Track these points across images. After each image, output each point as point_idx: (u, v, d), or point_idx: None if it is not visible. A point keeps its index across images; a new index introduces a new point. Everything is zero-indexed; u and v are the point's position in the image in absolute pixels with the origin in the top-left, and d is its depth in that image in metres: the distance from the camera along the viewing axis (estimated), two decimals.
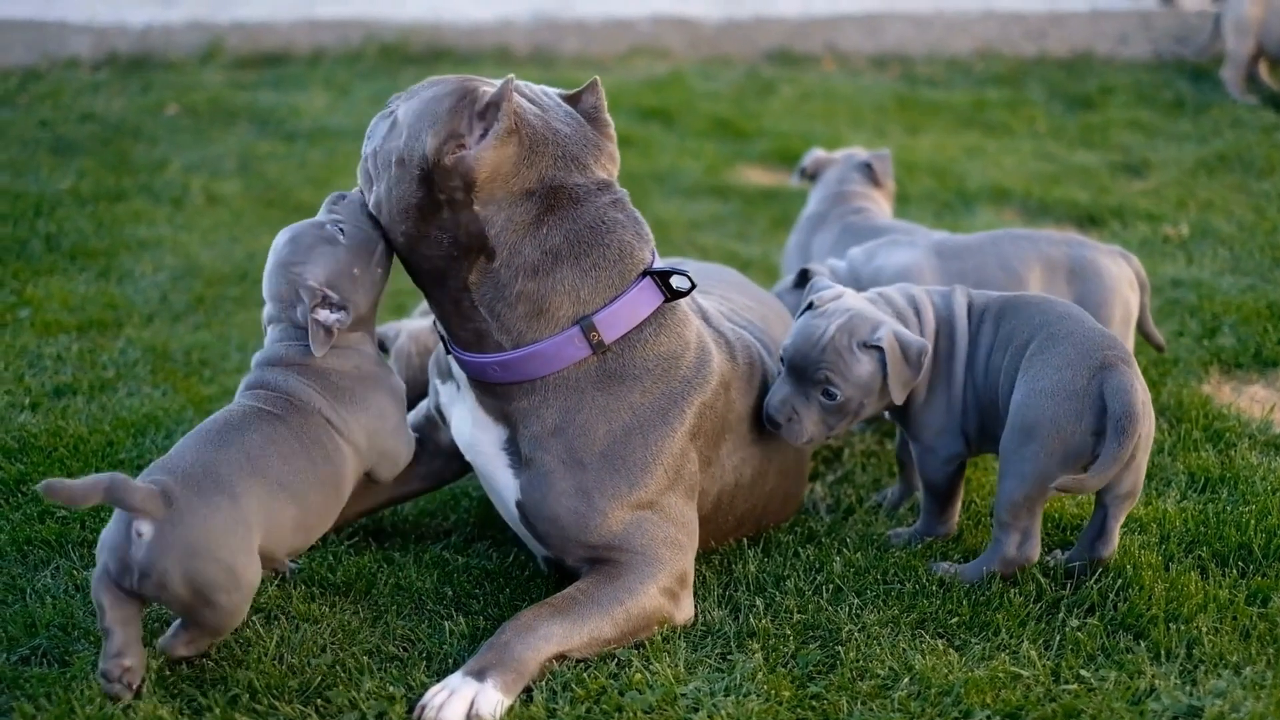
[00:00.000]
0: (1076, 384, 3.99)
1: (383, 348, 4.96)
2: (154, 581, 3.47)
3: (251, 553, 3.60)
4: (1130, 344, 5.18)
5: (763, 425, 4.34)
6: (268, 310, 4.01)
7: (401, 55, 12.33)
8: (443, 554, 4.40)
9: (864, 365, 4.13)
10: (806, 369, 4.16)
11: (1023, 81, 11.98)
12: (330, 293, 3.89)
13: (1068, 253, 5.18)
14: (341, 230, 3.95)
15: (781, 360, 4.25)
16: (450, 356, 4.13)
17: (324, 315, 3.85)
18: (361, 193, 4.06)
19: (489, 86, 3.89)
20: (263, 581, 4.06)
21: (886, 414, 4.44)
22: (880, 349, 4.10)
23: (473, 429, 4.13)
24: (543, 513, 3.98)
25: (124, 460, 4.87)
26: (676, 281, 4.07)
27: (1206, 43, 11.54)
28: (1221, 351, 6.02)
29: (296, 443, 3.80)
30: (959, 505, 4.48)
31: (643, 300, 4.02)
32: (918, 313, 4.30)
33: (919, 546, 4.37)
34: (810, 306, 4.26)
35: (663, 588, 3.94)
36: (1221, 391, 5.73)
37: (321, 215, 4.05)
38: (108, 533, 3.53)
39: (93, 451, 4.92)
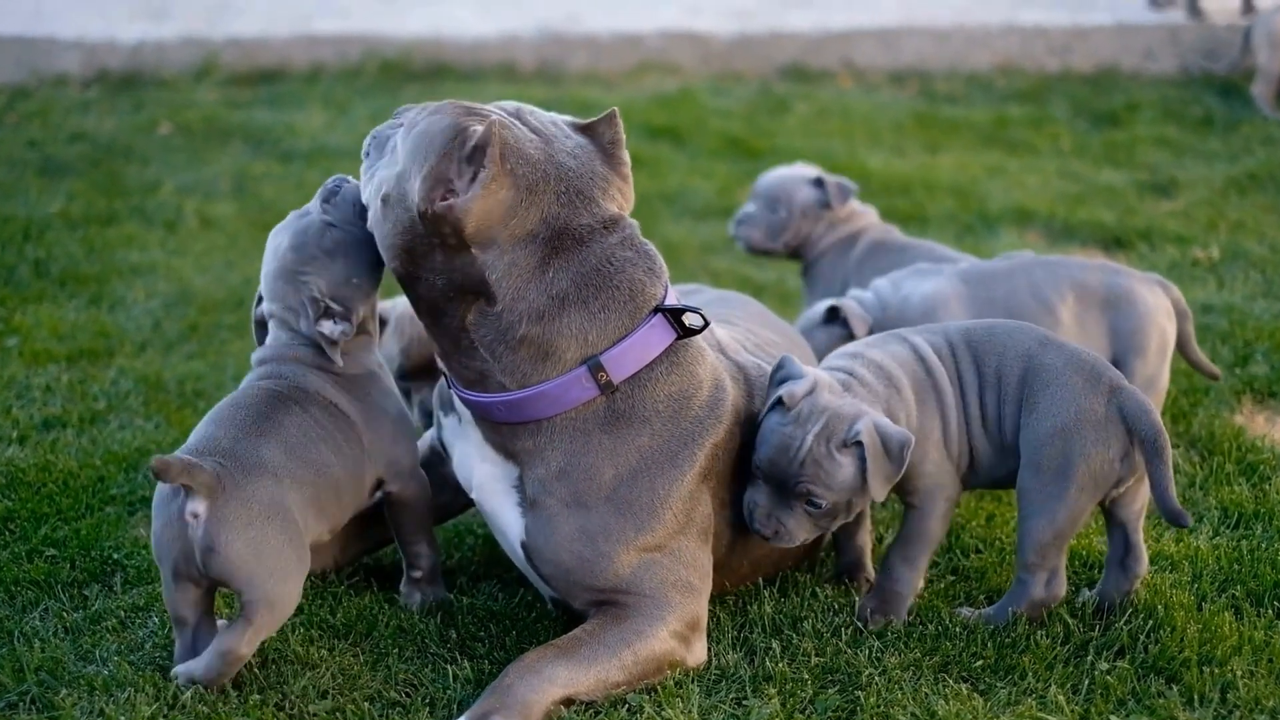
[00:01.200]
0: (1096, 413, 4.00)
1: (382, 322, 5.02)
2: (219, 556, 3.68)
3: (298, 530, 3.83)
4: (1166, 377, 5.16)
5: None
6: (267, 308, 4.12)
7: (403, 72, 12.35)
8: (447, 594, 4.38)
9: (846, 468, 3.98)
10: (785, 481, 4.03)
11: (1046, 98, 11.99)
12: (334, 304, 4.02)
13: (1102, 280, 5.16)
14: (342, 234, 4.07)
15: (756, 468, 4.11)
16: (452, 392, 4.11)
17: (329, 328, 4.02)
18: (358, 188, 4.11)
19: (482, 124, 3.82)
20: (331, 603, 4.17)
21: None
22: (860, 444, 3.96)
23: (478, 464, 4.11)
24: (547, 555, 3.97)
25: (115, 496, 4.88)
26: (689, 319, 4.06)
27: (1236, 57, 11.53)
28: (1254, 380, 6.00)
29: (322, 430, 4.00)
30: None
31: (654, 339, 4.00)
32: (896, 388, 4.17)
33: (890, 610, 4.22)
34: (779, 403, 4.08)
35: (673, 631, 3.92)
36: (1255, 422, 5.71)
37: (314, 208, 4.12)
38: (162, 530, 3.77)
39: (83, 487, 4.92)
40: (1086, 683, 3.82)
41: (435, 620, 4.20)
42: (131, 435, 5.41)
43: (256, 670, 3.87)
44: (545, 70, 12.64)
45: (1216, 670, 3.86)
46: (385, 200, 3.87)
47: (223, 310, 7.01)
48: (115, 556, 4.49)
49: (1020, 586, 4.10)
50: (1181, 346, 5.25)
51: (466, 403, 4.02)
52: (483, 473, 4.10)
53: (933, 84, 12.56)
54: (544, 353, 3.89)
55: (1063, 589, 4.10)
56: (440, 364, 4.09)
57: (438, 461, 4.48)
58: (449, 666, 3.94)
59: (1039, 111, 11.57)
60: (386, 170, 3.91)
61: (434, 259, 3.83)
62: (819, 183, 6.19)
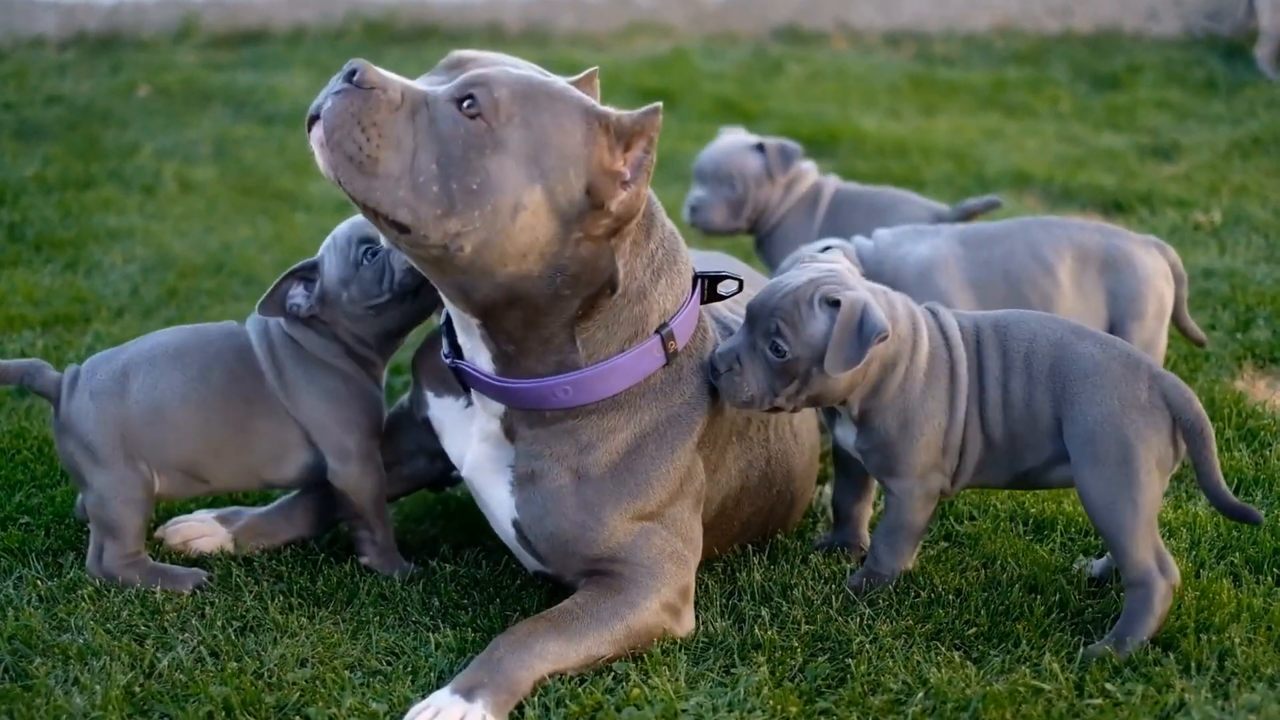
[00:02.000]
0: (1141, 398, 3.89)
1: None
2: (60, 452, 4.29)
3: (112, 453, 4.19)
4: (1164, 340, 5.17)
5: (769, 422, 4.32)
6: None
7: (387, 33, 12.35)
8: (429, 562, 4.39)
9: (818, 322, 3.89)
10: (761, 318, 3.96)
11: (1045, 60, 12.00)
12: (321, 286, 4.23)
13: (1101, 242, 5.16)
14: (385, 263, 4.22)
15: (747, 309, 4.06)
16: (476, 389, 4.02)
17: (297, 293, 4.26)
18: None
19: (602, 108, 3.67)
20: (238, 591, 4.12)
21: (852, 445, 4.22)
22: (838, 305, 3.89)
23: (475, 444, 4.10)
24: (544, 529, 3.95)
25: None
26: (724, 287, 4.08)
27: (1241, 19, 11.54)
28: (1256, 345, 6.01)
29: (226, 383, 4.26)
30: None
31: (696, 305, 4.02)
32: (915, 341, 4.09)
33: (870, 589, 4.20)
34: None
35: (665, 603, 3.92)
36: (1256, 388, 5.72)
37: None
38: None
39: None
40: (1082, 650, 3.83)
41: (418, 588, 4.20)
42: None
43: (234, 638, 3.88)
44: (533, 31, 12.64)
45: (1214, 638, 3.85)
46: (523, 207, 3.59)
47: (202, 275, 7.01)
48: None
49: (1142, 589, 3.88)
50: (1173, 311, 5.25)
51: (510, 393, 3.92)
52: (478, 453, 4.09)
53: (930, 45, 12.58)
54: (637, 331, 3.88)
55: (1176, 566, 3.92)
56: (474, 361, 3.96)
57: (411, 426, 4.48)
58: (431, 634, 3.93)
59: (1038, 73, 11.58)
60: (510, 176, 3.57)
61: (570, 254, 3.69)
62: (760, 149, 6.17)
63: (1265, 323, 6.23)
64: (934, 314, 4.16)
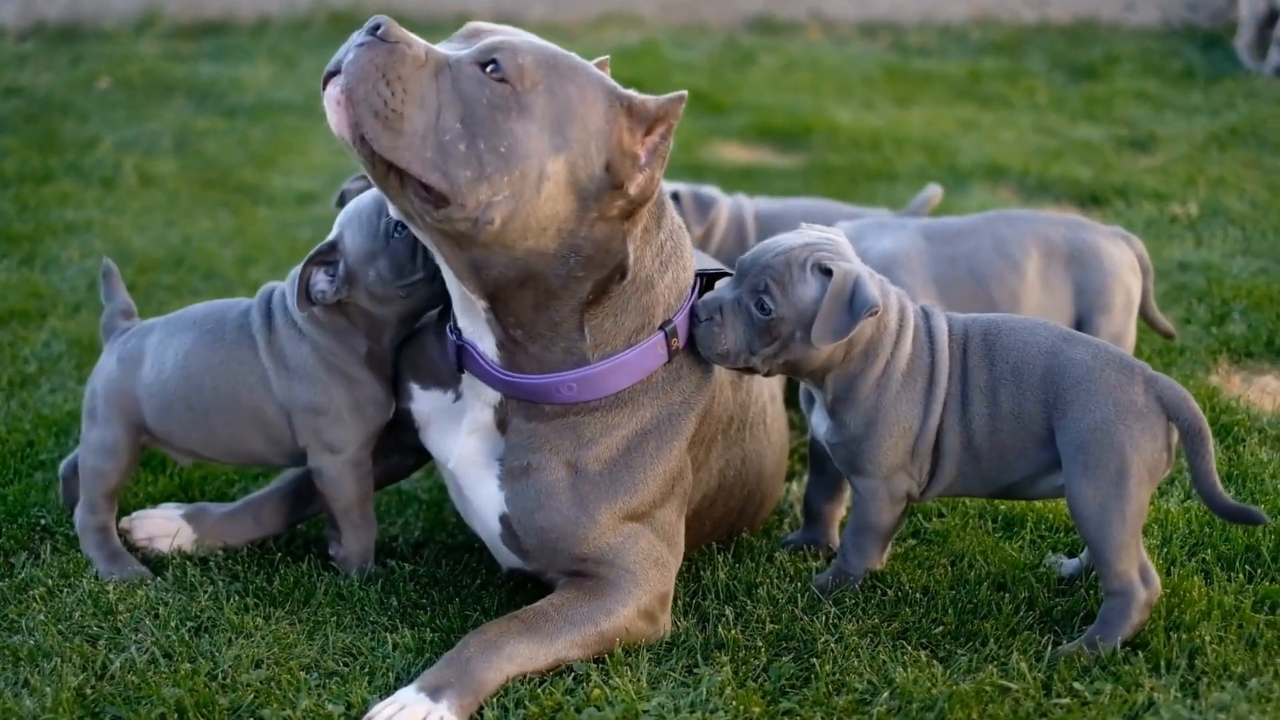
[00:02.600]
0: (1137, 403, 3.86)
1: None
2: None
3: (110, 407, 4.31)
4: (1133, 333, 5.19)
5: (747, 421, 4.33)
6: None
7: (352, 23, 12.21)
8: (388, 561, 4.38)
9: (809, 287, 3.89)
10: (751, 272, 3.95)
11: (1022, 50, 12.02)
12: (345, 267, 4.07)
13: (1067, 235, 5.18)
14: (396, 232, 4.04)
15: (739, 264, 4.06)
16: (480, 378, 3.98)
17: (319, 278, 4.09)
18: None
19: (624, 89, 3.70)
20: (193, 590, 4.11)
21: (823, 435, 4.20)
22: (830, 275, 3.89)
23: (464, 438, 4.08)
24: (535, 523, 3.93)
25: (45, 461, 4.86)
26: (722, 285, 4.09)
27: (1221, 6, 11.56)
28: (1231, 340, 6.03)
29: (222, 360, 4.26)
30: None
31: (694, 300, 4.02)
32: (900, 332, 4.07)
33: (836, 588, 4.20)
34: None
35: (642, 609, 3.91)
36: (1230, 382, 5.73)
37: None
38: None
39: (11, 452, 4.91)
40: (1050, 649, 3.83)
41: (376, 588, 4.19)
42: (63, 399, 5.40)
43: (189, 638, 3.86)
44: (502, 20, 12.49)
45: (1184, 636, 3.85)
46: (547, 176, 3.58)
47: (161, 270, 6.99)
48: (44, 523, 4.48)
49: (1121, 598, 3.89)
50: (1140, 304, 5.26)
51: (515, 386, 3.90)
52: (466, 446, 4.07)
53: (905, 36, 12.60)
54: (644, 323, 3.87)
55: (1158, 578, 3.94)
56: (476, 352, 3.94)
57: (389, 424, 4.45)
58: (389, 635, 3.92)
59: (1014, 64, 11.61)
60: (534, 143, 3.56)
61: (585, 234, 3.68)
62: (675, 198, 6.08)
63: (1241, 316, 6.25)
64: (927, 315, 4.13)
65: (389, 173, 3.54)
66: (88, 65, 10.95)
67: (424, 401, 4.23)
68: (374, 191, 4.03)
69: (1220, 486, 3.83)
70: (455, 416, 4.13)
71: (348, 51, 3.52)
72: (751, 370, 4.02)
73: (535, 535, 3.93)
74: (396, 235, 3.97)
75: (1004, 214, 5.36)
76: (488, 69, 3.52)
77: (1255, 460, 4.90)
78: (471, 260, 3.66)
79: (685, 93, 3.69)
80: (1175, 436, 3.86)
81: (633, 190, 3.65)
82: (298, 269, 4.06)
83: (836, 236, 4.06)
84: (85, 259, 7.06)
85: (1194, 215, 7.89)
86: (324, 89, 3.54)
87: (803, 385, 4.20)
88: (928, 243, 5.17)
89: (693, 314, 4.00)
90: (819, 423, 4.17)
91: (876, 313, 3.86)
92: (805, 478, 4.84)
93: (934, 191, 6.14)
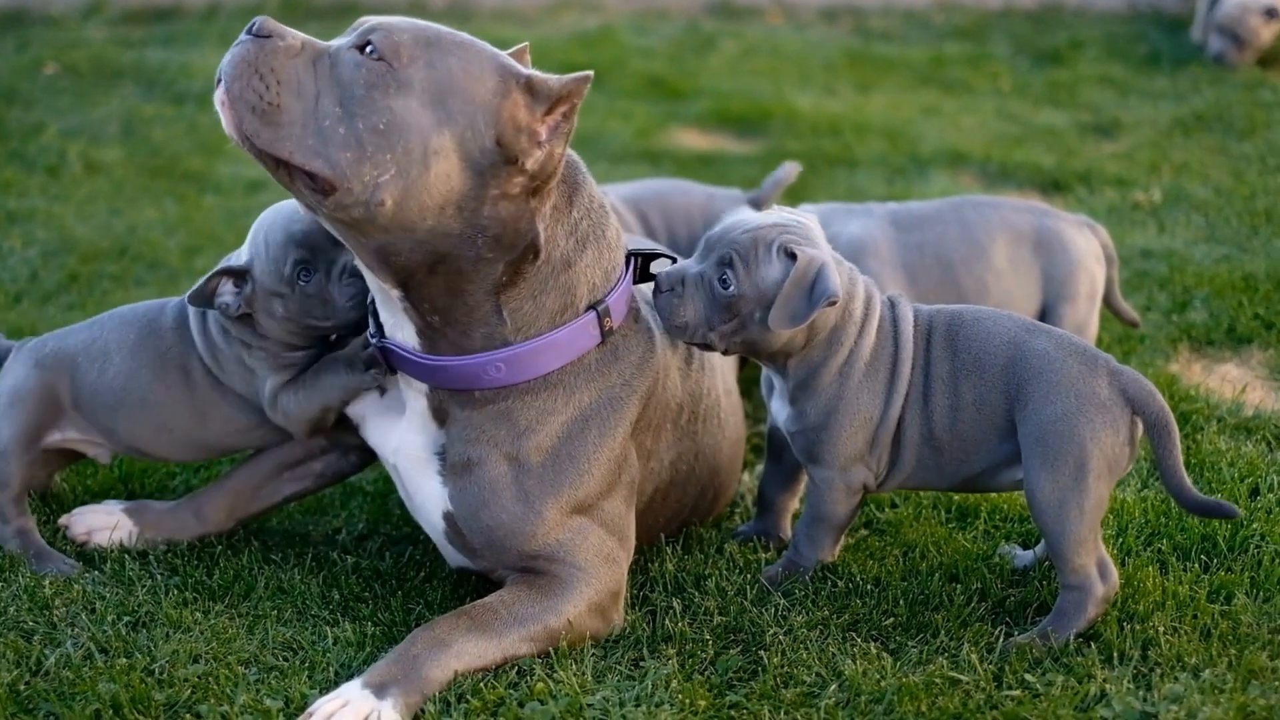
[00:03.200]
0: (1100, 395, 3.85)
1: None
2: None
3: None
4: (1095, 323, 5.22)
5: (700, 414, 4.33)
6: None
7: (305, 8, 12.30)
8: (330, 554, 4.37)
9: (773, 269, 3.89)
10: (717, 248, 3.96)
11: (986, 35, 12.05)
12: (252, 281, 4.08)
13: (1033, 222, 5.22)
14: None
15: (706, 237, 4.07)
16: (402, 369, 3.98)
17: (226, 289, 4.10)
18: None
19: (520, 67, 3.68)
20: (131, 585, 4.10)
21: (783, 422, 4.19)
22: (794, 259, 3.90)
23: (403, 434, 4.07)
24: (480, 521, 3.91)
25: None
26: (657, 266, 4.09)
27: None
28: (1192, 328, 6.05)
29: (148, 360, 4.30)
30: None
31: (629, 284, 4.01)
32: (866, 320, 4.08)
33: (787, 579, 4.20)
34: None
35: (591, 604, 3.90)
36: (1191, 370, 5.75)
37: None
38: None
39: None
40: (1001, 641, 3.84)
41: (317, 580, 4.19)
42: None
43: (125, 633, 3.85)
44: (456, 7, 12.63)
45: (1138, 627, 3.87)
46: (439, 152, 3.56)
47: (105, 259, 6.96)
48: None
49: (1078, 592, 3.89)
50: (1104, 292, 5.29)
51: (441, 371, 3.88)
52: (406, 443, 4.05)
53: (867, 20, 12.62)
54: (566, 304, 3.85)
55: (1116, 573, 3.95)
56: (400, 337, 3.93)
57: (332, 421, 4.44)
58: (330, 629, 3.91)
59: (978, 49, 11.63)
60: (416, 117, 3.55)
61: (489, 213, 3.66)
62: None
63: (1202, 304, 6.27)
64: (893, 305, 4.13)
65: (278, 167, 3.57)
66: (34, 51, 10.91)
67: (355, 402, 4.23)
68: (285, 221, 4.05)
69: (1188, 481, 3.83)
70: (393, 409, 4.12)
71: (226, 54, 3.59)
72: (708, 347, 4.02)
73: (481, 534, 3.92)
74: (302, 283, 4.01)
75: (970, 199, 5.39)
76: (366, 50, 3.53)
77: (1213, 449, 4.93)
78: (378, 247, 3.65)
79: (590, 73, 3.66)
80: (1139, 430, 3.87)
81: (530, 165, 3.62)
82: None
83: (808, 220, 4.07)
84: (27, 248, 7.02)
85: (1157, 202, 7.91)
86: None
87: (764, 371, 4.20)
88: (895, 230, 5.21)
89: (655, 284, 4.00)
90: (779, 410, 4.17)
91: (835, 302, 3.88)
92: (759, 468, 4.85)
93: (789, 169, 6.08)
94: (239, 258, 4.09)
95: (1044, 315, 5.19)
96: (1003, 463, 3.98)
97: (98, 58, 10.73)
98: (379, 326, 3.97)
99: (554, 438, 3.89)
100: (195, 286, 4.07)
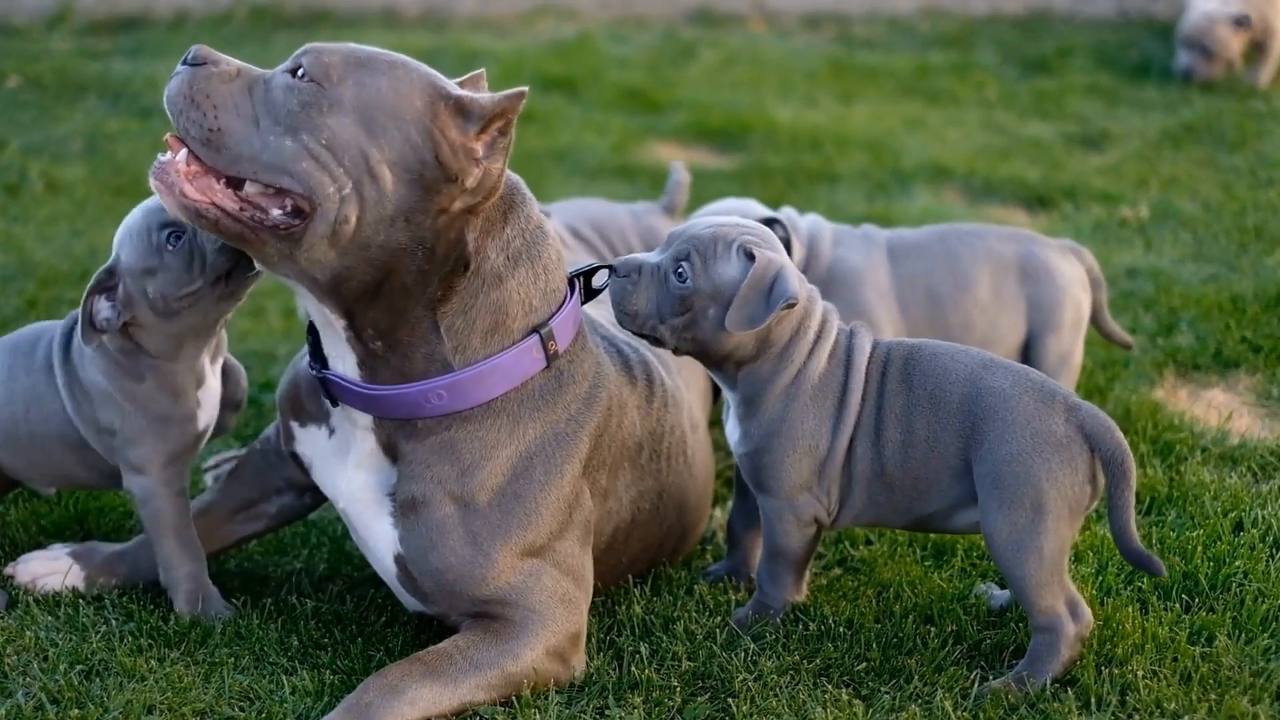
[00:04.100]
0: (1056, 433, 3.84)
1: None
2: None
3: None
4: (1079, 352, 5.24)
5: (662, 452, 4.32)
6: None
7: (274, 18, 12.29)
8: (289, 598, 4.35)
9: (730, 266, 3.94)
10: (677, 241, 4.02)
11: (972, 42, 12.06)
12: (125, 289, 4.08)
13: (1018, 250, 5.26)
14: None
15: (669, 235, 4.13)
16: (343, 400, 3.99)
17: (101, 305, 4.11)
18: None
19: (451, 87, 3.79)
20: (85, 631, 4.08)
21: (733, 445, 4.18)
22: (753, 259, 3.94)
23: (351, 472, 4.06)
24: (429, 565, 3.90)
25: None
26: (598, 280, 4.11)
27: None
28: (1178, 352, 6.06)
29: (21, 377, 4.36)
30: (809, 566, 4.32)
31: (576, 307, 4.04)
32: (818, 344, 4.09)
33: (757, 623, 4.19)
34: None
35: (550, 649, 3.89)
36: (1176, 396, 5.76)
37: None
38: None
39: None
40: (976, 687, 3.83)
41: (276, 626, 4.17)
42: None
43: (78, 682, 3.83)
44: (431, 15, 12.60)
45: (1116, 671, 3.87)
46: (379, 166, 3.65)
47: (65, 284, 6.92)
48: None
49: (1049, 634, 3.87)
50: (1094, 316, 5.32)
51: (382, 401, 3.89)
52: (355, 482, 4.04)
53: (850, 28, 12.62)
54: (497, 322, 3.86)
55: (1089, 611, 3.94)
56: (338, 368, 3.95)
57: (280, 463, 4.44)
58: (287, 678, 3.90)
59: (963, 58, 11.63)
60: (351, 132, 3.65)
61: (423, 227, 3.72)
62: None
63: (1189, 327, 6.28)
64: (851, 334, 4.14)
65: (239, 216, 3.67)
66: None
67: (304, 441, 4.25)
68: (144, 205, 4.10)
69: (1134, 527, 3.83)
70: (340, 452, 4.12)
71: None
72: (658, 341, 4.05)
73: (430, 577, 3.91)
74: (170, 249, 3.99)
75: (956, 229, 5.42)
76: (297, 74, 3.67)
77: (1196, 481, 4.93)
78: (333, 275, 3.71)
79: (525, 89, 3.74)
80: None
81: (470, 182, 3.71)
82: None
83: (767, 231, 4.10)
84: None
85: (1144, 218, 7.93)
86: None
87: (724, 394, 4.19)
88: (890, 261, 5.26)
89: (611, 270, 4.06)
90: (731, 431, 4.17)
91: (794, 305, 3.93)
92: (728, 504, 4.85)
93: (682, 173, 6.09)
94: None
95: (1029, 345, 5.21)
96: (957, 503, 3.98)
97: (62, 70, 10.71)
98: (320, 359, 3.99)
99: (500, 475, 3.89)
100: (80, 321, 4.09)
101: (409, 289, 3.75)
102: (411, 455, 3.91)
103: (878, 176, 8.83)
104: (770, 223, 5.03)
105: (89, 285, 4.05)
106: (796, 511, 4.07)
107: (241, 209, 3.65)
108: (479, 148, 3.70)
